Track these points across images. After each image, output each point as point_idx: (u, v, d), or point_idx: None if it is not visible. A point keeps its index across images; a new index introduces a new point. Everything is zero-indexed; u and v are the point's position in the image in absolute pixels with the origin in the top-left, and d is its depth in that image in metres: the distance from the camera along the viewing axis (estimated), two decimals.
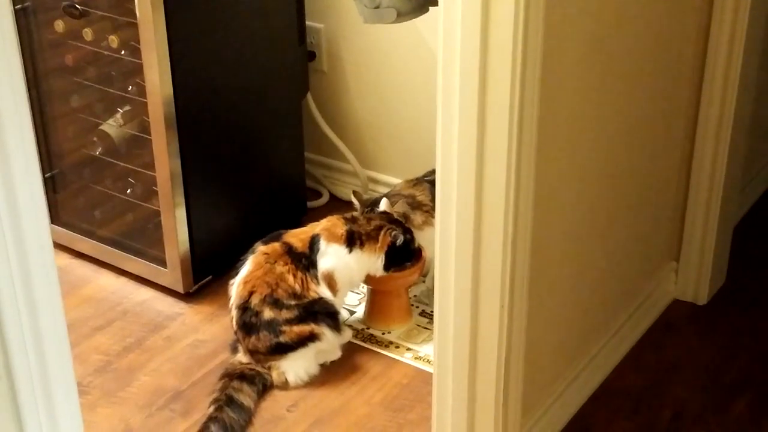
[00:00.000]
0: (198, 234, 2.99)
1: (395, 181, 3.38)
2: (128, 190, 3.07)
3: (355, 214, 2.84)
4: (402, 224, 2.80)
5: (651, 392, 2.67)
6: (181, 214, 2.93)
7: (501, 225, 2.06)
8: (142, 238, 3.09)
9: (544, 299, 2.30)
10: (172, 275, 3.01)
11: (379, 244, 2.74)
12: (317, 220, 3.31)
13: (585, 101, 2.25)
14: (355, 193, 2.99)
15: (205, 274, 3.06)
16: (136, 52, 2.80)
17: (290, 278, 2.65)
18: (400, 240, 2.75)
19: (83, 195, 3.20)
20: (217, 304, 2.97)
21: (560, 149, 2.19)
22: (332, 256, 2.70)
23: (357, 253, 2.73)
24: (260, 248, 2.70)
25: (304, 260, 2.68)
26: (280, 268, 2.65)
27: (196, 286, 3.03)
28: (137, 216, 3.10)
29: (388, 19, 2.34)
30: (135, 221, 3.11)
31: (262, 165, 3.21)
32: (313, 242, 2.71)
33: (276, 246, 2.69)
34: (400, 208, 2.86)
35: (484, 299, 2.16)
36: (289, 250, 2.68)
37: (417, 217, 2.90)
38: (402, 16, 2.36)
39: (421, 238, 2.86)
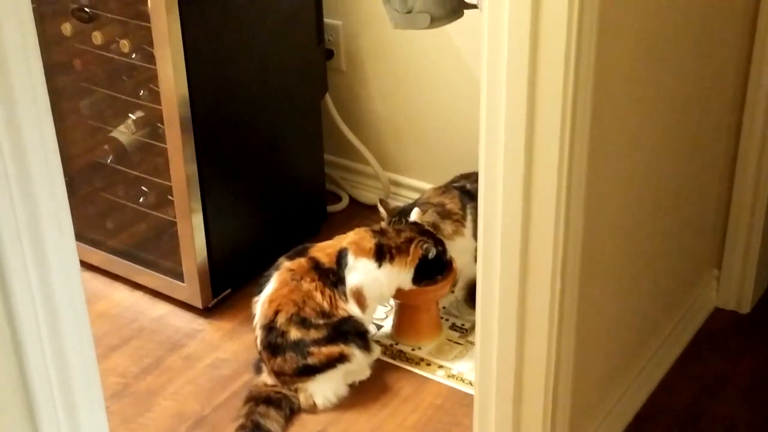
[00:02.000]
0: (216, 243, 2.85)
1: (418, 184, 3.25)
2: (141, 199, 2.93)
3: (383, 225, 2.69)
4: (433, 235, 2.66)
5: (699, 409, 2.54)
6: (198, 221, 2.79)
7: (551, 239, 1.92)
8: (156, 250, 2.95)
9: (591, 319, 2.17)
10: (189, 289, 2.87)
11: (410, 258, 2.60)
12: (337, 225, 3.21)
13: (633, 106, 2.11)
14: (381, 201, 2.85)
15: (224, 288, 2.92)
16: (148, 56, 2.66)
17: (318, 296, 2.51)
18: (432, 253, 2.60)
19: (94, 204, 3.06)
20: (238, 320, 2.83)
21: (610, 158, 2.05)
22: (361, 272, 2.56)
23: (387, 267, 2.58)
24: (285, 264, 2.55)
25: (332, 276, 2.54)
26: (306, 285, 2.51)
27: (215, 301, 2.89)
28: (151, 226, 2.96)
29: (421, 24, 2.19)
30: (149, 231, 2.97)
31: (280, 168, 3.07)
32: (341, 257, 2.56)
33: (302, 261, 2.55)
34: (430, 217, 2.72)
35: (530, 323, 2.02)
36: (316, 266, 2.54)
37: (447, 227, 2.75)
38: (435, 21, 2.21)
39: (451, 248, 2.71)
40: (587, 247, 2.02)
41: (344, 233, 2.71)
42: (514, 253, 1.97)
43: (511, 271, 1.99)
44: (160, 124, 2.73)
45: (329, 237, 2.87)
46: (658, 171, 2.34)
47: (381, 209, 2.81)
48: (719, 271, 2.84)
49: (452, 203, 2.79)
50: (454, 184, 2.86)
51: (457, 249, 2.74)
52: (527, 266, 1.98)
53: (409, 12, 2.20)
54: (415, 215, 2.70)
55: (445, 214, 2.77)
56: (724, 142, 2.65)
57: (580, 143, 1.88)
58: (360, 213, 3.31)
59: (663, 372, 2.63)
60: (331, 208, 3.31)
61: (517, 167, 1.88)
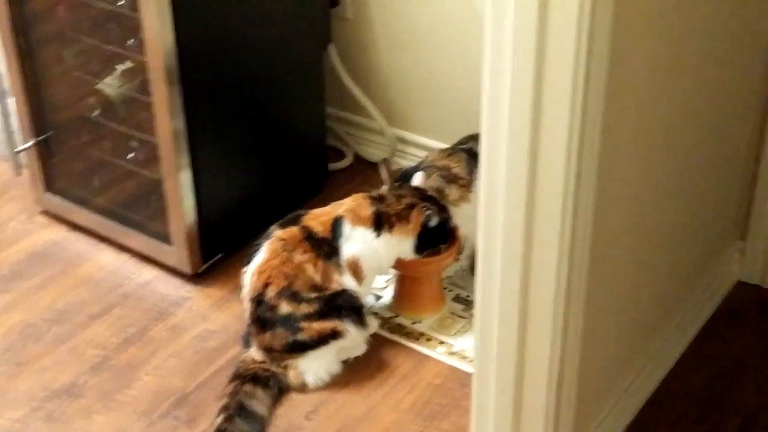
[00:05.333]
0: (206, 204, 2.68)
1: (426, 141, 3.06)
2: (129, 156, 2.75)
3: (382, 191, 2.50)
4: (436, 201, 2.47)
5: (716, 395, 2.37)
6: (186, 179, 2.61)
7: (559, 208, 1.73)
8: (145, 210, 2.78)
9: (602, 294, 1.98)
10: (177, 253, 2.70)
11: (411, 226, 2.42)
12: (340, 184, 3.03)
13: (655, 69, 1.90)
14: (384, 161, 2.64)
15: (216, 252, 2.75)
16: (134, 3, 2.46)
17: (310, 268, 2.34)
18: (435, 221, 2.42)
19: (80, 160, 2.88)
20: (229, 287, 2.67)
21: (627, 122, 1.85)
22: (358, 241, 2.39)
23: (386, 236, 2.41)
24: (276, 233, 2.38)
25: (326, 247, 2.36)
26: (299, 257, 2.34)
27: (205, 266, 2.72)
28: (140, 184, 2.78)
29: None
30: (137, 190, 2.80)
31: (278, 123, 2.88)
32: (336, 225, 2.39)
33: (294, 231, 2.37)
34: (434, 182, 2.53)
35: (534, 299, 1.84)
36: (309, 236, 2.37)
37: (452, 192, 2.57)
38: None
39: (456, 215, 2.53)
40: (599, 216, 1.83)
41: (348, 192, 2.54)
42: (518, 223, 1.78)
43: (514, 243, 1.80)
44: (149, 76, 2.55)
45: (331, 196, 2.71)
46: (681, 136, 2.14)
47: (383, 172, 2.62)
48: (744, 243, 2.65)
49: (459, 167, 2.60)
50: (462, 146, 2.67)
51: (463, 216, 2.55)
52: (532, 238, 1.79)
53: None
54: (418, 179, 2.51)
55: (450, 178, 2.58)
56: (753, 108, 2.45)
57: (594, 106, 1.68)
58: (365, 171, 3.12)
59: (678, 353, 2.46)
60: (333, 166, 3.13)
61: (524, 128, 1.68)
